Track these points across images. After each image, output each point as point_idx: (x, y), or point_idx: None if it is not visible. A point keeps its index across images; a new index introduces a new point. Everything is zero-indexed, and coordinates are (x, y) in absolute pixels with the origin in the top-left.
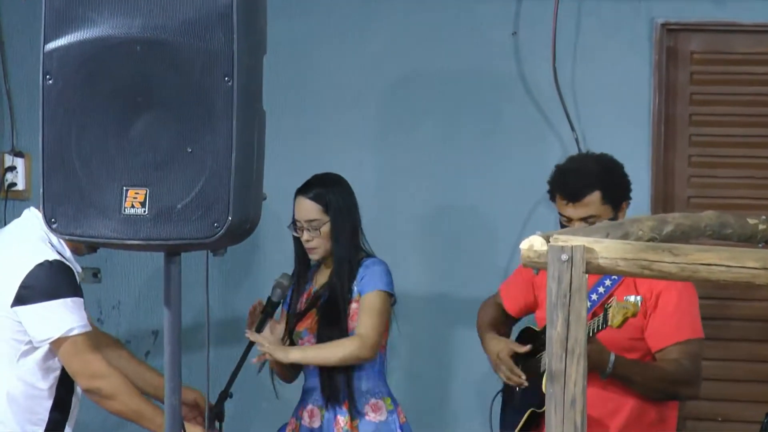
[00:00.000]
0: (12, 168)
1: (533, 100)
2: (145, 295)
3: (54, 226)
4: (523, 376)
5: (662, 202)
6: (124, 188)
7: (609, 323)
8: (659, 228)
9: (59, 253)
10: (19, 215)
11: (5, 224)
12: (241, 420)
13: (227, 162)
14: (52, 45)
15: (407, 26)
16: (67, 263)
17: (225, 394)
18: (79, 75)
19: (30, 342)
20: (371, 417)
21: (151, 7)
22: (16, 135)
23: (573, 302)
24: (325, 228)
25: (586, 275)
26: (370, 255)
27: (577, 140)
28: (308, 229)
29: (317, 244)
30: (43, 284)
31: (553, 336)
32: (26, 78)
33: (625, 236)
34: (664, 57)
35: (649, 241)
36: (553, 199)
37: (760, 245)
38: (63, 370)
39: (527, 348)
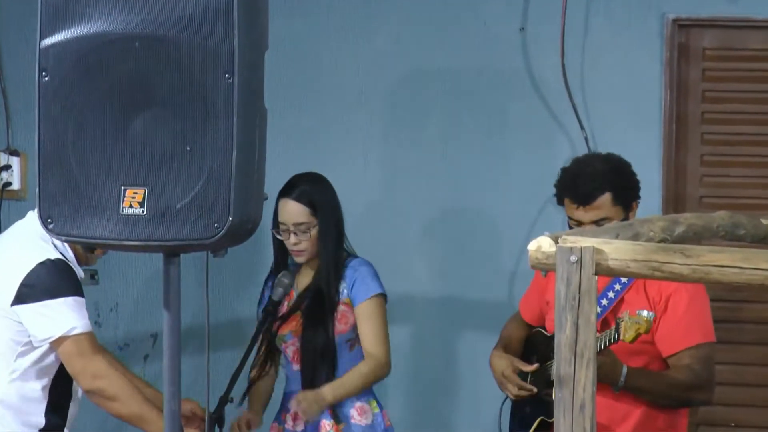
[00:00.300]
0: (7, 167)
1: (541, 97)
2: (144, 297)
3: (50, 226)
4: (534, 389)
5: (674, 202)
6: (122, 188)
7: (621, 338)
8: (671, 229)
9: (61, 254)
10: (14, 215)
11: (0, 224)
12: None
13: (228, 161)
14: (48, 41)
15: (412, 22)
16: (69, 263)
17: (225, 399)
18: (76, 72)
19: (29, 343)
20: (357, 420)
21: (149, 3)
22: (12, 133)
23: (582, 305)
24: (314, 230)
25: (596, 277)
26: (351, 254)
27: (586, 139)
28: (296, 233)
29: (305, 247)
30: (45, 283)
31: (562, 340)
32: (22, 75)
33: (635, 237)
34: (676, 53)
35: (660, 242)
36: (560, 202)
37: None
38: (58, 372)
39: (533, 367)
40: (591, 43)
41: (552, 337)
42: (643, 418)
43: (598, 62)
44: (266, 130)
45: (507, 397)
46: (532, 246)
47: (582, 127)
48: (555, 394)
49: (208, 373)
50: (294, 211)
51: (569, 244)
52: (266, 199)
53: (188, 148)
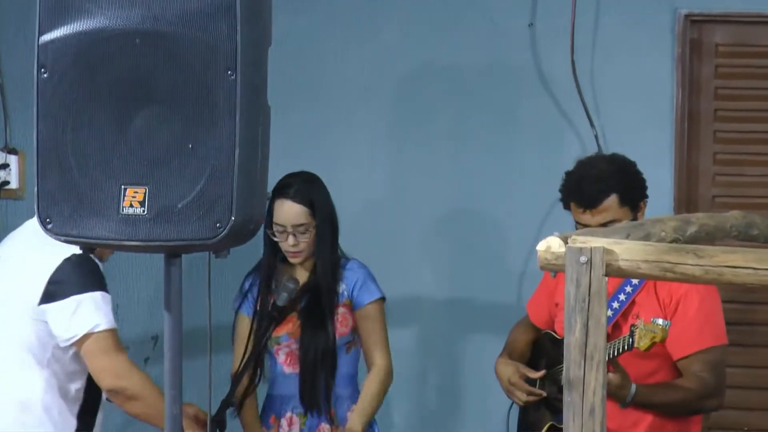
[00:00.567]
0: (5, 166)
1: (550, 95)
2: (145, 298)
3: (49, 226)
4: (543, 393)
5: (686, 201)
6: (123, 187)
7: (635, 345)
8: (683, 229)
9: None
10: (12, 215)
11: None
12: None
13: (230, 160)
14: (47, 37)
15: (418, 18)
16: (94, 257)
17: (227, 403)
18: (76, 68)
19: (57, 345)
20: None
21: None
22: (10, 131)
23: (592, 307)
24: (312, 231)
25: (606, 278)
26: (343, 255)
27: (596, 137)
28: (294, 234)
29: (303, 248)
30: (72, 278)
31: (571, 342)
32: (20, 72)
33: (646, 237)
34: (688, 50)
35: (672, 242)
36: (567, 207)
37: None
38: (89, 374)
39: (540, 374)
40: (601, 39)
41: (562, 340)
42: (654, 424)
43: (608, 59)
44: (269, 128)
45: (513, 403)
46: (541, 246)
47: (592, 125)
48: (564, 397)
49: (210, 376)
50: (293, 211)
51: (579, 245)
52: (269, 198)
53: (190, 147)
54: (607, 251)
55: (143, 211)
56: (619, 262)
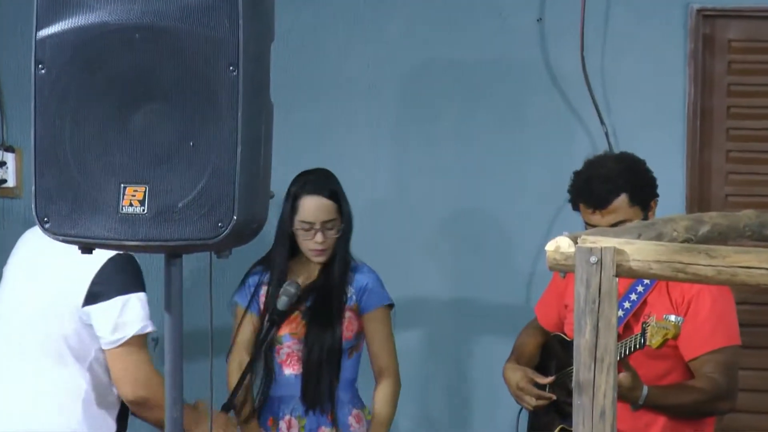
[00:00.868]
0: (2, 163)
1: (560, 91)
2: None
3: (47, 225)
4: (553, 396)
5: (698, 200)
6: (122, 185)
7: (647, 343)
8: (695, 228)
9: None
10: (9, 214)
11: None
12: None
13: (232, 158)
14: (44, 32)
15: (424, 13)
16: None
17: (229, 406)
18: (74, 64)
19: (99, 347)
20: (355, 428)
21: None
22: (7, 128)
23: (602, 308)
24: (339, 228)
25: (617, 279)
26: (353, 258)
27: (606, 135)
28: (322, 231)
29: (329, 245)
30: (116, 279)
31: (581, 344)
32: (17, 67)
33: (658, 237)
34: (700, 45)
35: (684, 242)
36: (576, 208)
37: None
38: None
39: (549, 379)
40: (612, 34)
41: (571, 343)
42: (667, 426)
43: (619, 54)
44: (272, 126)
45: (522, 408)
46: (550, 246)
47: (602, 123)
48: (574, 401)
49: (212, 379)
50: (325, 207)
51: (589, 245)
52: (272, 197)
53: (191, 144)
54: (617, 251)
55: (143, 210)
56: (630, 263)
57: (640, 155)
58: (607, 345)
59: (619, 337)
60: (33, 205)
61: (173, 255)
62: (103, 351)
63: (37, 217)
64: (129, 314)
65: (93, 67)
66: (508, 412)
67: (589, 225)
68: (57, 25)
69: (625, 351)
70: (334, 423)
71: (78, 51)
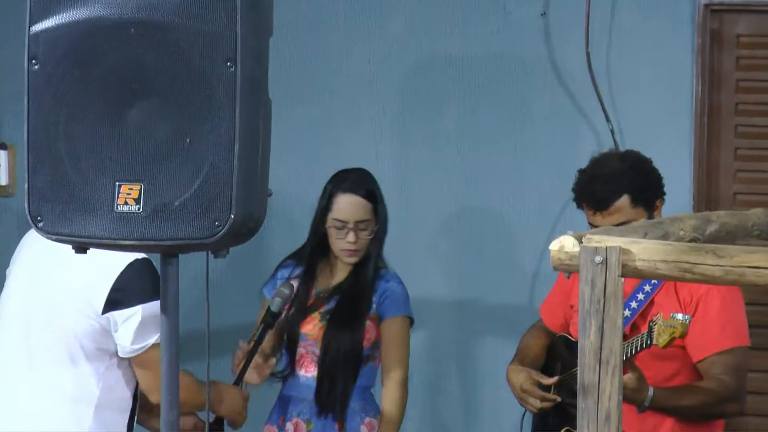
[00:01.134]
0: None
1: (564, 88)
2: None
3: (40, 224)
4: (558, 398)
5: (705, 199)
6: (117, 183)
7: (654, 342)
8: (702, 227)
9: None
10: (1, 211)
11: None
12: None
13: (229, 155)
14: (38, 27)
15: (426, 7)
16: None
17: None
18: (68, 59)
19: (115, 351)
20: None
21: None
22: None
23: (608, 309)
24: (372, 229)
25: (622, 279)
26: (385, 265)
27: (612, 132)
28: (355, 231)
29: (361, 246)
30: (137, 285)
31: (586, 346)
32: (10, 63)
33: (664, 236)
34: (708, 40)
35: (691, 241)
36: (580, 206)
37: None
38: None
39: (553, 380)
40: (618, 29)
41: (577, 343)
42: (675, 430)
43: (625, 50)
44: (270, 122)
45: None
46: (554, 246)
47: (608, 120)
48: (578, 404)
49: (209, 382)
50: (358, 206)
51: (594, 244)
52: (270, 195)
53: (187, 141)
54: (623, 251)
55: (138, 209)
56: (635, 263)
57: (647, 153)
58: (613, 347)
59: (626, 338)
60: (26, 204)
61: (169, 255)
62: (119, 357)
63: (30, 215)
64: (150, 321)
65: (87, 63)
66: (511, 414)
67: (592, 225)
68: (51, 19)
69: (631, 351)
70: (342, 429)
71: (72, 46)
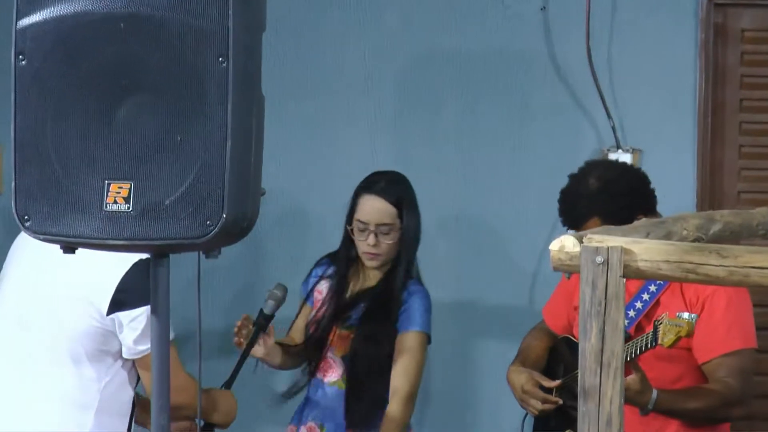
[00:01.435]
0: None
1: (565, 83)
2: None
3: (27, 224)
4: (560, 400)
5: (709, 197)
6: (106, 182)
7: (659, 342)
8: (706, 227)
9: None
10: None
11: None
12: None
13: (221, 153)
14: (25, 21)
15: (423, 0)
16: None
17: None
18: (56, 55)
19: (119, 352)
20: None
21: None
22: None
23: (609, 310)
24: (396, 234)
25: (624, 280)
26: (417, 274)
27: (613, 129)
28: (376, 234)
29: (383, 251)
30: (144, 286)
31: (587, 348)
32: None
33: (667, 236)
34: (712, 35)
35: (694, 241)
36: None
37: None
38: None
39: (555, 383)
40: (619, 23)
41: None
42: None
43: (626, 45)
44: (264, 119)
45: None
46: (554, 246)
47: (609, 116)
48: (579, 407)
49: (200, 386)
50: (380, 209)
51: (595, 244)
52: (263, 194)
53: (178, 139)
54: (625, 251)
55: (128, 208)
56: (638, 263)
57: (649, 150)
58: (614, 349)
59: (631, 339)
60: (13, 203)
61: (160, 255)
62: (122, 359)
63: (17, 215)
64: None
65: (76, 59)
66: (512, 416)
67: None
68: (38, 14)
69: (635, 351)
70: None
71: (60, 41)
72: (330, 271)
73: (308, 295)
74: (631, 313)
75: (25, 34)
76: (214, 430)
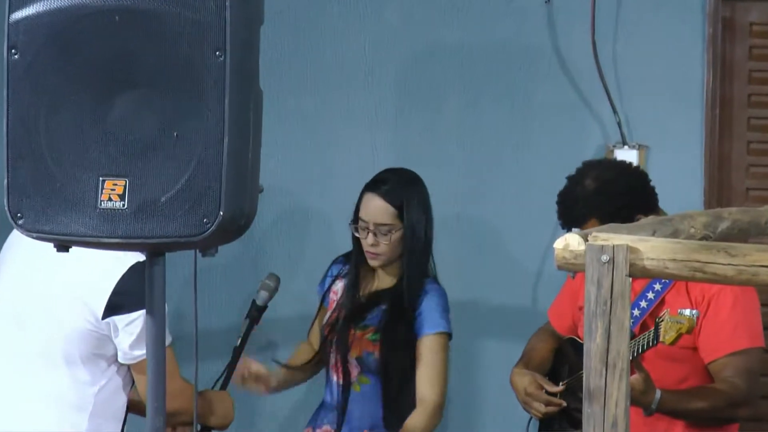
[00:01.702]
0: None
1: (570, 78)
2: None
3: (20, 222)
4: (564, 402)
5: (717, 194)
6: (101, 179)
7: (661, 339)
8: (713, 225)
9: None
10: None
11: None
12: None
13: (218, 149)
14: (18, 14)
15: None
16: None
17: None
18: (49, 49)
19: (114, 356)
20: None
21: None
22: None
23: (614, 310)
24: (397, 235)
25: (630, 279)
26: (433, 273)
27: (619, 124)
28: (375, 233)
29: (382, 251)
30: (140, 289)
31: (592, 349)
32: None
33: (674, 234)
34: (720, 29)
35: (701, 239)
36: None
37: None
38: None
39: (559, 388)
40: (625, 17)
41: None
42: None
43: (633, 39)
44: (262, 115)
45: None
46: (558, 244)
47: (615, 112)
48: (584, 409)
49: (196, 387)
50: (378, 208)
51: (600, 242)
52: (262, 191)
53: (174, 135)
54: (631, 249)
55: (123, 205)
56: (644, 262)
57: (656, 147)
58: (620, 350)
59: (634, 338)
60: (5, 200)
61: (155, 253)
62: (117, 363)
63: (10, 212)
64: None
65: (70, 52)
66: (517, 418)
67: None
68: (31, 6)
69: (636, 350)
70: None
71: (54, 35)
72: (345, 270)
73: (324, 296)
74: (636, 312)
75: (17, 27)
76: None
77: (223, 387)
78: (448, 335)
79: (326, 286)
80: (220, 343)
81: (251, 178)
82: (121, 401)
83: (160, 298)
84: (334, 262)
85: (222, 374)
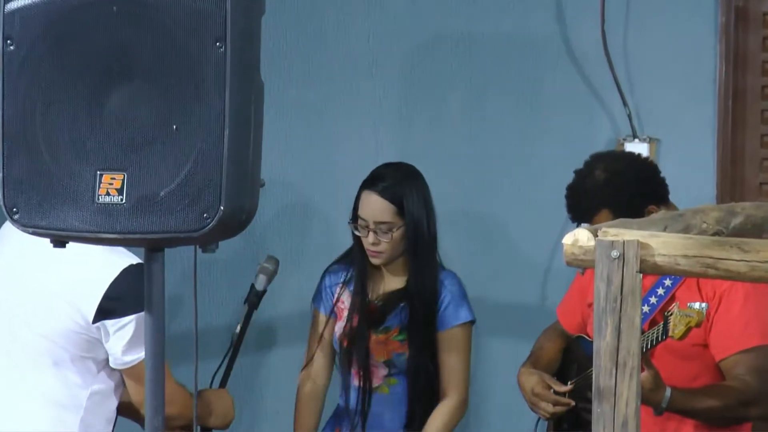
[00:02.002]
0: None
1: (579, 69)
2: None
3: (15, 217)
4: (572, 402)
5: (730, 189)
6: (98, 173)
7: (670, 334)
8: (726, 220)
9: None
10: None
11: None
12: None
13: (219, 142)
14: (13, 5)
15: None
16: None
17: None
18: (45, 40)
19: (105, 360)
20: None
21: None
22: None
23: (625, 307)
24: (398, 233)
25: (641, 275)
26: (441, 265)
27: (629, 117)
28: (375, 231)
29: (384, 249)
30: (132, 294)
31: (602, 347)
32: None
33: (686, 229)
34: (733, 19)
35: (714, 235)
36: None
37: None
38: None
39: (567, 388)
40: (635, 6)
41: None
42: None
43: (643, 29)
44: (263, 107)
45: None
46: (567, 239)
47: (625, 104)
48: (593, 408)
49: (196, 385)
50: (377, 207)
51: (610, 238)
52: (263, 185)
53: (174, 127)
54: (641, 245)
55: (121, 200)
56: (655, 258)
57: (667, 140)
58: (630, 348)
59: (643, 334)
60: (0, 195)
61: (154, 249)
62: (109, 367)
63: (6, 207)
64: (143, 332)
65: (66, 43)
66: (524, 417)
67: None
68: None
69: (645, 345)
70: None
71: (50, 25)
72: (344, 277)
73: (330, 311)
74: (645, 308)
75: (13, 17)
76: None
77: (223, 383)
78: (471, 322)
79: (328, 299)
80: (220, 340)
81: (252, 172)
82: (113, 404)
83: (160, 295)
84: (327, 272)
85: (219, 367)
